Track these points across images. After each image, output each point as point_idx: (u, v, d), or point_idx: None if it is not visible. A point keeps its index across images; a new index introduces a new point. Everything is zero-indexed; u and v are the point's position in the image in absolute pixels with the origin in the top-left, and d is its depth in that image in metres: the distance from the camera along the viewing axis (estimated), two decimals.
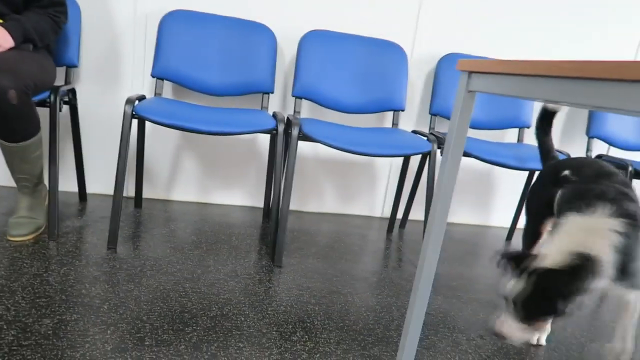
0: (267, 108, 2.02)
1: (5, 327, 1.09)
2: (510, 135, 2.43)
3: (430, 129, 2.16)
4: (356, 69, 2.10)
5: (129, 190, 2.15)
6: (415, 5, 2.16)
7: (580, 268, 0.98)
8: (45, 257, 1.46)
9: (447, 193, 1.00)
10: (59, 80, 1.82)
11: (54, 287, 1.29)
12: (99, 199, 2.06)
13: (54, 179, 1.59)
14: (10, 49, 1.49)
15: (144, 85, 2.04)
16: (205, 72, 1.97)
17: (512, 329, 1.05)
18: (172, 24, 1.92)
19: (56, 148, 1.59)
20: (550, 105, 1.48)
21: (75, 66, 1.84)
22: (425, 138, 1.88)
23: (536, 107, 2.25)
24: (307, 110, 2.20)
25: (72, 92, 1.82)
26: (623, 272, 1.01)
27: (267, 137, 2.14)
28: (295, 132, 1.66)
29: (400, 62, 2.14)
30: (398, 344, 1.26)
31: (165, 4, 1.96)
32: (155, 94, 1.91)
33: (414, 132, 2.08)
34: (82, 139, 1.97)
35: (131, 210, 1.99)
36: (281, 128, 1.68)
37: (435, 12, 2.18)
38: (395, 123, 2.13)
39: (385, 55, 2.14)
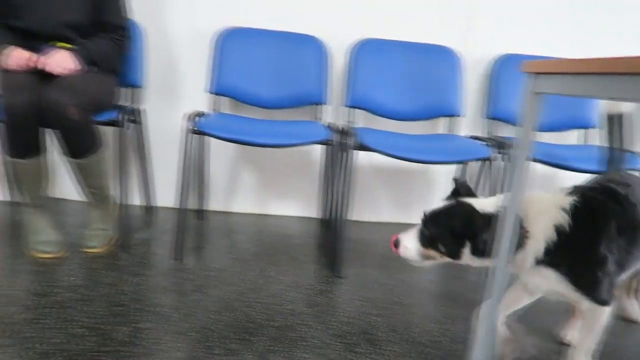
0: (320, 119, 2.05)
1: (87, 333, 1.16)
2: (571, 138, 2.31)
3: (488, 133, 2.10)
4: (408, 76, 2.09)
5: (192, 202, 2.23)
6: (466, 7, 2.12)
7: (496, 220, 0.99)
8: (119, 267, 1.55)
9: (516, 200, 0.97)
10: (126, 100, 1.93)
11: (128, 296, 1.36)
12: (164, 212, 2.15)
13: (124, 193, 1.68)
14: (77, 71, 1.61)
15: (203, 102, 2.12)
16: (259, 86, 2.02)
17: (409, 245, 1.11)
18: (226, 42, 1.99)
19: (124, 164, 1.69)
20: (613, 108, 1.39)
21: (140, 86, 1.94)
22: (484, 143, 1.83)
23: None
24: (361, 119, 2.20)
25: (138, 111, 1.92)
26: (551, 252, 0.99)
27: (320, 147, 2.16)
28: (351, 142, 1.66)
29: (453, 66, 2.10)
30: (466, 357, 1.23)
31: (220, 23, 2.04)
32: (213, 110, 1.99)
33: (472, 137, 2.03)
34: (148, 155, 2.07)
35: (195, 222, 2.07)
36: (336, 138, 1.69)
37: (486, 13, 2.13)
38: (450, 129, 2.09)
39: (437, 59, 2.11)
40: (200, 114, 1.72)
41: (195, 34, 2.06)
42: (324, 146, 1.91)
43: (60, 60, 1.57)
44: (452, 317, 1.43)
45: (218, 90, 1.98)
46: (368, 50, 2.05)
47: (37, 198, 1.62)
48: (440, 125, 2.23)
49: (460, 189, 1.16)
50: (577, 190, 1.08)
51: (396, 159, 1.64)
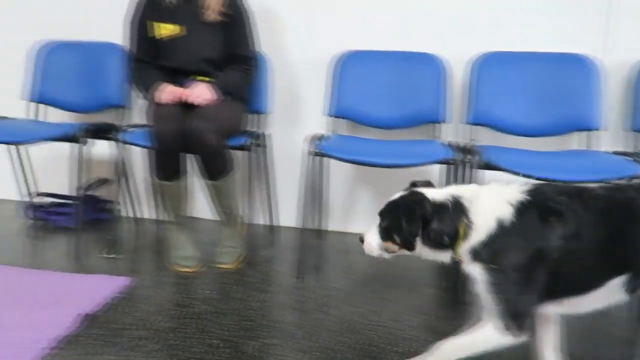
0: (439, 137, 1.99)
1: (221, 345, 1.24)
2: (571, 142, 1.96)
3: (635, 147, 1.85)
4: (537, 88, 1.93)
5: (312, 222, 2.29)
6: (603, 10, 1.91)
7: (445, 209, 0.99)
8: (246, 283, 1.64)
9: None
10: (253, 126, 2.07)
11: (256, 311, 1.43)
12: (286, 231, 2.25)
13: (251, 213, 1.80)
14: (214, 101, 1.77)
15: (322, 124, 2.19)
16: (376, 107, 2.03)
17: (370, 240, 1.11)
18: (344, 65, 2.04)
19: (251, 185, 1.80)
20: None
21: (265, 112, 2.07)
22: (630, 159, 1.61)
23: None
24: (482, 136, 2.09)
25: (263, 135, 2.05)
26: (488, 247, 0.95)
27: (438, 167, 2.08)
28: (475, 160, 1.58)
29: (589, 75, 1.89)
30: None
31: (338, 48, 2.10)
32: (332, 132, 2.04)
33: (615, 153, 1.80)
34: (272, 177, 2.19)
35: (314, 241, 2.12)
36: (458, 157, 1.63)
37: (627, 14, 1.90)
38: (587, 144, 1.88)
39: (571, 69, 1.92)
40: (320, 137, 1.78)
41: (314, 60, 2.14)
42: (443, 166, 1.85)
43: (201, 92, 1.74)
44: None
45: (336, 113, 2.03)
46: (491, 64, 1.95)
47: (179, 217, 1.80)
48: (574, 141, 2.03)
49: (418, 183, 1.16)
50: (536, 188, 0.99)
51: (531, 178, 1.51)
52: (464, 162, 1.64)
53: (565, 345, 1.31)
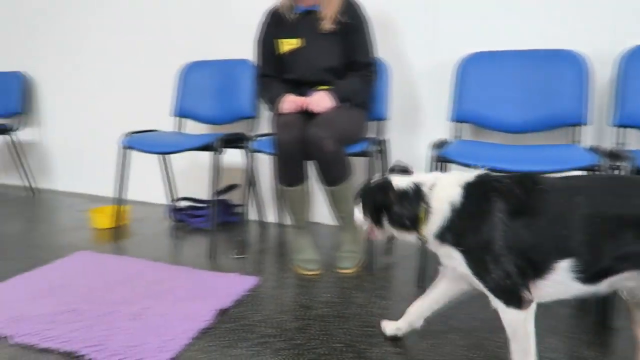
0: (579, 141, 1.80)
1: (344, 349, 1.25)
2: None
3: None
4: None
5: None
6: None
7: (405, 195, 1.11)
8: (366, 289, 1.64)
9: None
10: (372, 132, 2.07)
11: (377, 318, 1.42)
12: None
13: None
14: (332, 108, 1.81)
15: (443, 130, 2.12)
16: (504, 110, 1.91)
17: (359, 216, 1.26)
18: (469, 67, 1.96)
19: None
20: None
21: (385, 119, 2.07)
22: None
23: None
24: (632, 138, 1.85)
25: (383, 141, 2.04)
26: (449, 229, 1.03)
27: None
28: (627, 167, 1.40)
29: None
30: None
31: (460, 51, 2.02)
32: (455, 137, 1.96)
33: None
34: None
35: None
36: (605, 163, 1.45)
37: None
38: None
39: None
40: (443, 142, 1.72)
41: (435, 64, 2.09)
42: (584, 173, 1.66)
43: (320, 100, 1.80)
44: None
45: (460, 117, 1.95)
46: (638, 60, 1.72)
47: (301, 221, 1.87)
48: None
49: (395, 168, 1.26)
50: (488, 173, 1.06)
51: None
52: (613, 168, 1.46)
53: None
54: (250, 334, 1.33)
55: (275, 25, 1.95)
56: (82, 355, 1.21)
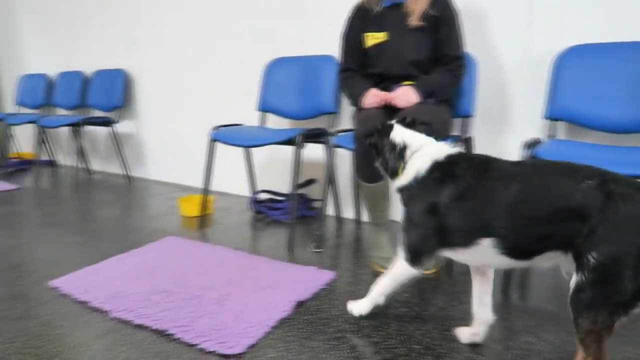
0: None
1: (423, 352, 1.22)
2: None
3: None
4: None
5: None
6: None
7: (394, 148, 1.29)
8: (447, 292, 1.59)
9: None
10: (457, 130, 2.00)
11: (457, 322, 1.37)
12: None
13: None
14: (416, 103, 1.76)
15: (533, 128, 1.99)
16: (606, 108, 1.75)
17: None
18: (567, 61, 1.81)
19: None
20: None
21: (471, 116, 1.98)
22: None
23: None
24: None
25: (469, 139, 1.96)
26: (404, 191, 1.25)
27: None
28: None
29: None
30: None
31: (558, 42, 1.87)
32: (548, 137, 1.83)
33: None
34: None
35: None
36: None
37: None
38: None
39: None
40: (536, 141, 1.61)
41: (533, 58, 1.96)
42: None
43: (404, 95, 1.76)
44: None
45: (555, 115, 1.82)
46: None
47: (379, 218, 1.85)
48: None
49: (416, 121, 1.37)
50: (459, 154, 1.20)
51: None
52: None
53: None
54: (327, 327, 1.35)
55: (361, 19, 1.94)
56: (172, 334, 1.29)
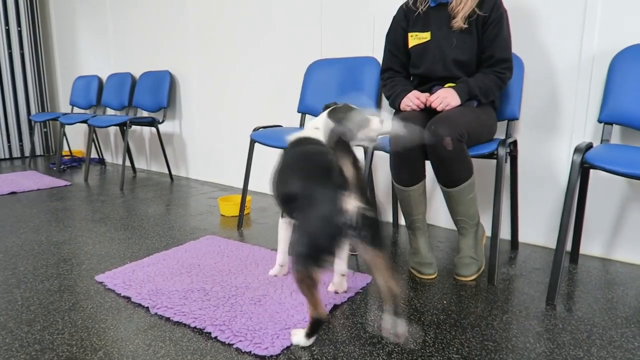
0: None
1: None
2: None
3: None
4: None
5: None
6: None
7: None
8: (487, 300, 1.54)
9: None
10: (501, 133, 1.93)
11: (499, 333, 1.32)
12: (530, 249, 2.03)
13: (496, 226, 1.67)
14: (457, 106, 1.71)
15: (586, 133, 1.90)
16: None
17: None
18: (625, 62, 1.72)
19: (500, 197, 1.67)
20: None
21: (516, 119, 1.91)
22: None
23: None
24: None
25: (514, 143, 1.89)
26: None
27: None
28: None
29: None
30: None
31: (617, 42, 1.78)
32: (602, 141, 1.74)
33: None
34: (519, 187, 2.01)
35: (566, 265, 1.86)
36: None
37: None
38: None
39: None
40: (589, 146, 1.53)
41: (586, 59, 1.87)
42: None
43: (443, 97, 1.72)
44: None
45: (610, 119, 1.72)
46: None
47: (417, 222, 1.81)
48: None
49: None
50: (307, 137, 1.47)
51: None
52: None
53: None
54: (363, 332, 1.33)
55: (405, 19, 1.91)
56: (209, 333, 1.31)
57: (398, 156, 1.70)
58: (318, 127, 1.51)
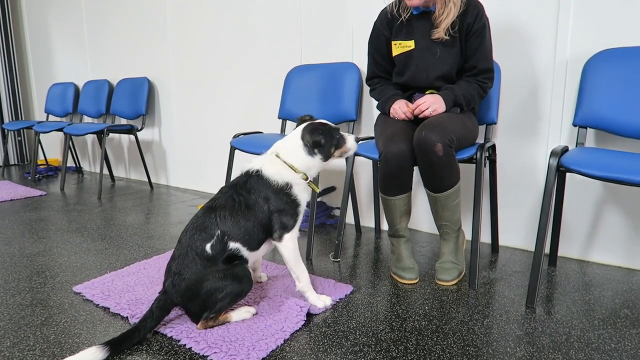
0: None
1: None
2: None
3: None
4: None
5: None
6: None
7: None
8: (468, 305, 1.54)
9: None
10: (480, 138, 1.95)
11: (480, 338, 1.32)
12: (510, 252, 2.05)
13: (477, 230, 1.68)
14: (443, 112, 1.72)
15: (562, 136, 1.93)
16: (638, 114, 1.68)
17: None
18: (597, 67, 1.75)
19: (480, 201, 1.68)
20: None
21: (495, 123, 1.93)
22: None
23: None
24: None
25: (492, 147, 1.91)
26: None
27: None
28: None
29: None
30: None
31: (589, 47, 1.81)
32: (576, 144, 1.77)
33: None
34: (498, 191, 2.03)
35: (545, 267, 1.88)
36: None
37: None
38: None
39: None
40: (563, 150, 1.56)
41: (560, 64, 1.90)
42: None
43: (431, 102, 1.72)
44: None
45: (584, 122, 1.75)
46: None
47: (401, 230, 1.81)
48: None
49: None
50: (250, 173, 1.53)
51: None
52: None
53: None
54: (345, 340, 1.31)
55: (388, 28, 1.90)
56: (184, 345, 1.28)
57: (387, 170, 1.69)
58: (279, 154, 1.48)
